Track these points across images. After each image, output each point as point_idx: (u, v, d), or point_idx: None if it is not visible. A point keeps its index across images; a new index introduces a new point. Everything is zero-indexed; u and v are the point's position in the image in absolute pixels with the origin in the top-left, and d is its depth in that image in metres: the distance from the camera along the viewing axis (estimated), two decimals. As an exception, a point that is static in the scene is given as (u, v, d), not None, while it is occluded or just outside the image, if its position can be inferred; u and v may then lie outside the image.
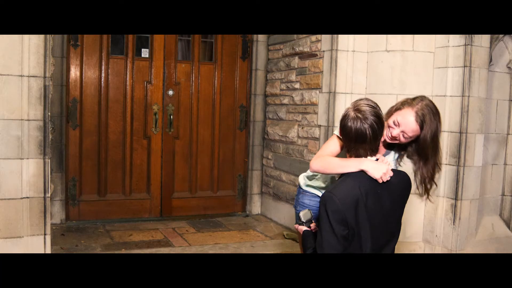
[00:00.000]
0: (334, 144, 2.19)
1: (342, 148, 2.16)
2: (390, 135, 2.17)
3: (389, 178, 1.91)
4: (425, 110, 2.10)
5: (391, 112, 2.21)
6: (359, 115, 1.88)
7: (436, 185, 2.28)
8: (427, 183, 2.20)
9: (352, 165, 1.95)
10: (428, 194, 2.24)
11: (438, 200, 3.73)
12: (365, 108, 1.90)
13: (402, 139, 2.16)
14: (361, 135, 1.89)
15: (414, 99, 2.16)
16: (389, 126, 2.17)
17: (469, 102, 3.59)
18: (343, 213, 1.81)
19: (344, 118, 1.93)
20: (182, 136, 5.04)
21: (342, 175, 1.99)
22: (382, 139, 2.14)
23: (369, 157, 1.95)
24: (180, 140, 5.04)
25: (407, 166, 2.30)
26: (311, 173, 2.53)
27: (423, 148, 2.13)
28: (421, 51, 3.72)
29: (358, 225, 1.84)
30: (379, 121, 1.91)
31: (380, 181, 1.89)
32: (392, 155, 2.33)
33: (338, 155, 2.15)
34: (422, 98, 2.16)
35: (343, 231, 1.83)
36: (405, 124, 2.11)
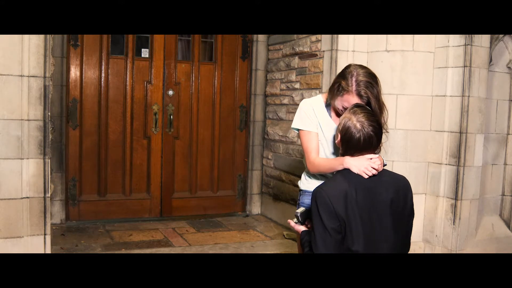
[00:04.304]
0: (310, 140, 2.37)
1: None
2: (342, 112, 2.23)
3: (375, 172, 1.99)
4: (363, 86, 2.14)
5: (333, 95, 2.26)
6: (364, 125, 1.98)
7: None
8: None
9: (336, 165, 2.11)
10: None
11: (438, 200, 3.73)
12: (366, 116, 2.00)
13: None
14: (369, 144, 2.01)
15: (345, 78, 2.18)
16: (340, 109, 2.25)
17: (469, 102, 3.59)
18: (332, 206, 1.88)
19: (349, 130, 2.00)
20: (182, 136, 5.04)
21: (338, 171, 2.11)
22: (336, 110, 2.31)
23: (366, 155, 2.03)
24: (180, 140, 5.04)
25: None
26: None
27: (373, 109, 2.18)
28: (421, 51, 3.72)
29: (348, 218, 1.88)
30: (380, 127, 2.04)
31: (366, 176, 1.98)
32: None
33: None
34: (352, 73, 2.18)
35: (334, 223, 1.88)
36: None
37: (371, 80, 2.18)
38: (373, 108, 2.17)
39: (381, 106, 2.19)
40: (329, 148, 2.40)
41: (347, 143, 2.04)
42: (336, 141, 2.14)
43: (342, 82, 2.19)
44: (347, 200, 1.90)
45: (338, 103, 2.26)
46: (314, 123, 2.39)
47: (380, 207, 1.95)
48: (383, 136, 2.10)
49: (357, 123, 1.97)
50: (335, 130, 2.21)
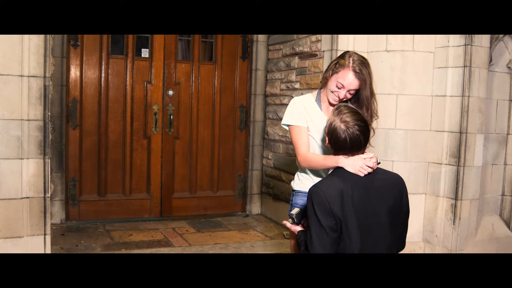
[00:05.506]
0: (300, 133, 2.44)
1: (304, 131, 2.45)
2: (338, 98, 2.38)
3: (370, 171, 2.00)
4: (358, 64, 2.34)
5: (326, 77, 2.41)
6: (349, 125, 1.99)
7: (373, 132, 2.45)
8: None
9: (330, 163, 2.14)
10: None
11: (438, 200, 3.73)
12: (351, 116, 2.02)
13: (348, 96, 2.39)
14: (357, 144, 2.02)
15: (343, 58, 2.37)
16: (332, 91, 2.38)
17: (469, 102, 3.59)
18: (328, 204, 1.88)
19: (335, 131, 2.02)
20: (182, 136, 5.04)
21: (333, 171, 2.11)
22: (329, 103, 2.44)
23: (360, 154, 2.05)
24: (180, 140, 5.04)
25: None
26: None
27: (365, 97, 2.38)
28: (421, 51, 3.72)
29: (344, 217, 1.89)
30: (366, 125, 2.04)
31: (361, 175, 1.99)
32: None
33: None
34: (349, 54, 2.39)
35: (330, 222, 1.88)
36: (348, 83, 2.34)
37: (365, 61, 2.39)
38: (364, 96, 2.35)
39: (372, 91, 2.39)
40: (322, 140, 2.42)
41: (334, 145, 2.06)
42: (325, 143, 2.16)
43: (340, 60, 2.37)
44: (343, 199, 1.90)
45: (333, 83, 2.36)
46: (305, 119, 2.44)
47: (376, 205, 1.96)
48: (374, 122, 2.12)
49: (342, 124, 1.99)
50: (326, 122, 2.22)
